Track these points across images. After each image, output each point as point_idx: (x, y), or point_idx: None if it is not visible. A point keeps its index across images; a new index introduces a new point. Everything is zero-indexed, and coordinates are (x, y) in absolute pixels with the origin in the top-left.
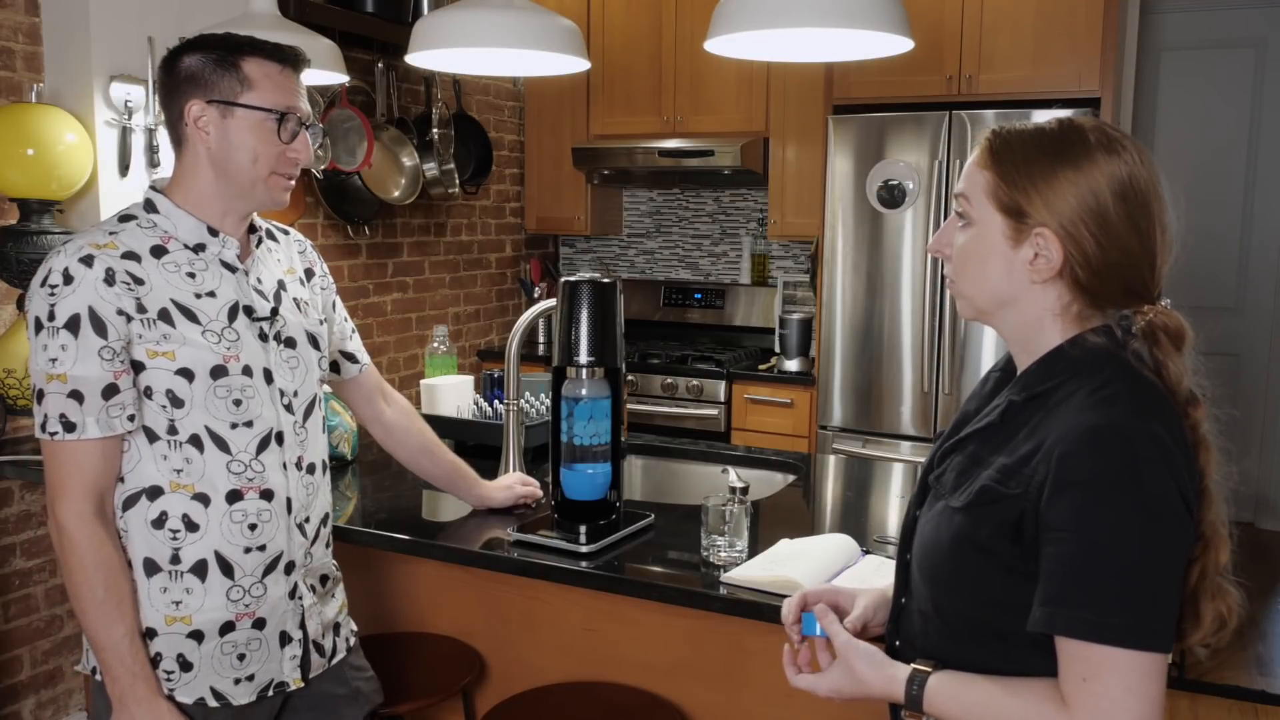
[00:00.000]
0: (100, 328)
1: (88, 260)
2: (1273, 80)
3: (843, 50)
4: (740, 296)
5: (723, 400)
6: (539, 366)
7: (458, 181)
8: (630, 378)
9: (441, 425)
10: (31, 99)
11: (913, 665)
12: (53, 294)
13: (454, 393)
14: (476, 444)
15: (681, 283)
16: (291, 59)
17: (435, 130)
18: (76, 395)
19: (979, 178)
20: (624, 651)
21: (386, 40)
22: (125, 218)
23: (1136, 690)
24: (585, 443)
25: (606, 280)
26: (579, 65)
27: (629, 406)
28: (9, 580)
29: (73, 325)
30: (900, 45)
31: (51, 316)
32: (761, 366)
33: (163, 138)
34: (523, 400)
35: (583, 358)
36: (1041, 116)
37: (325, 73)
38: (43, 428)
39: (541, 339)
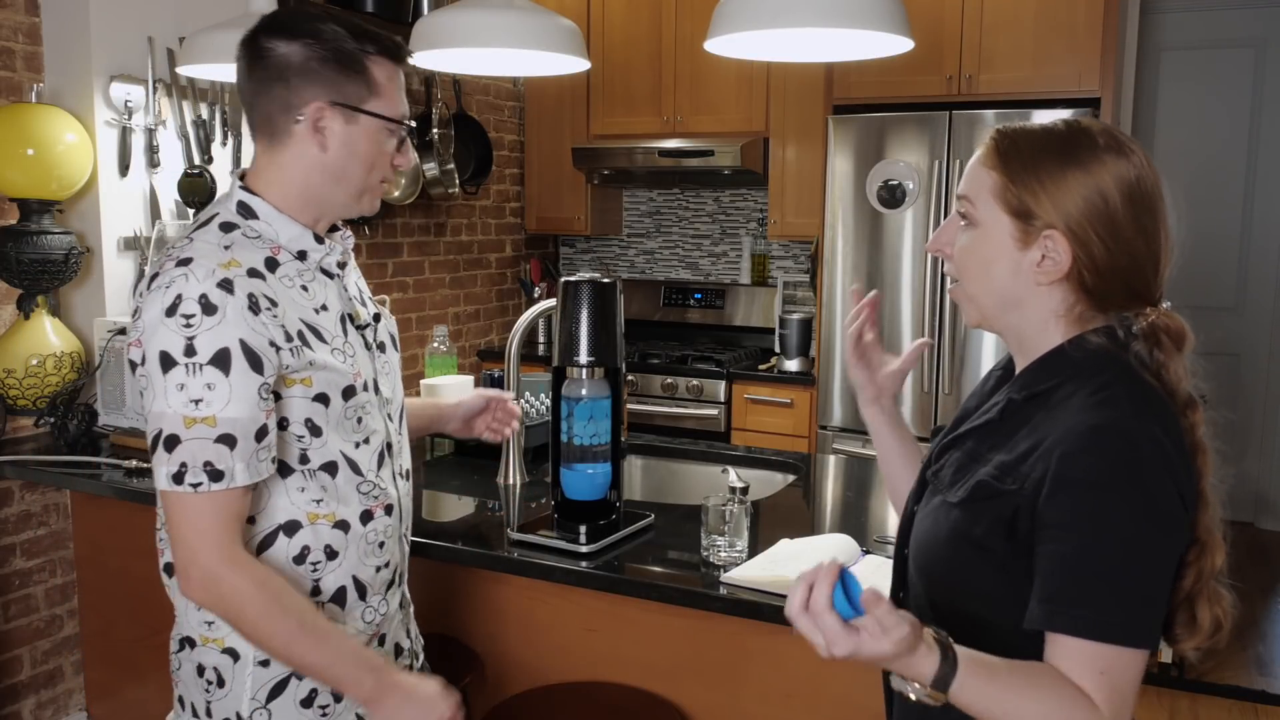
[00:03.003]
0: (256, 363)
1: (227, 286)
2: (1273, 80)
3: (843, 50)
4: (740, 296)
5: (723, 400)
6: (539, 366)
7: (458, 181)
8: (630, 378)
9: None
10: (31, 99)
11: (944, 642)
12: (189, 324)
13: (454, 393)
14: (476, 444)
15: (681, 283)
16: (406, 57)
17: (435, 130)
18: (227, 440)
19: (985, 178)
20: (624, 651)
21: None
22: (226, 225)
23: (1133, 685)
24: (585, 443)
25: (606, 280)
26: (579, 65)
27: (629, 406)
28: (9, 580)
29: (220, 361)
30: (900, 45)
31: (191, 351)
32: (761, 366)
33: (164, 138)
34: (523, 400)
35: (583, 358)
36: (1041, 116)
37: None
38: (176, 478)
39: (541, 339)
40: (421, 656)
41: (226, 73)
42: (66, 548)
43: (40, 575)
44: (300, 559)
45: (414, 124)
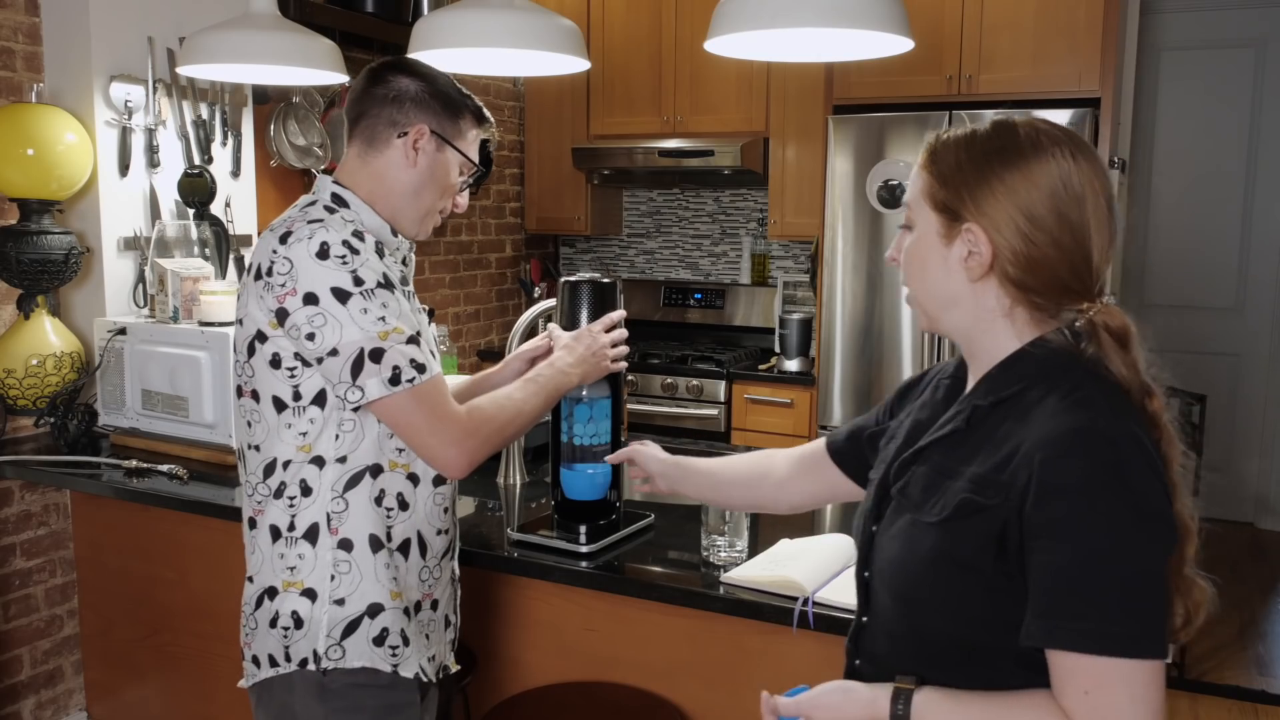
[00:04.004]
0: (394, 289)
1: (359, 235)
2: (1273, 80)
3: (843, 50)
4: (740, 296)
5: (723, 400)
6: None
7: None
8: (630, 378)
9: None
10: (31, 99)
11: (895, 684)
12: (345, 262)
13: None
14: None
15: (681, 283)
16: (490, 125)
17: None
18: (415, 341)
19: (919, 181)
20: (624, 651)
21: (387, 40)
22: (328, 208)
23: (1141, 699)
24: (585, 443)
25: (606, 280)
26: (579, 65)
27: (629, 406)
28: (9, 580)
29: (386, 284)
30: (900, 45)
31: (359, 281)
32: (761, 366)
33: (164, 138)
34: None
35: None
36: (1042, 116)
37: (325, 73)
38: (394, 381)
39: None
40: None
41: (226, 73)
42: (66, 548)
43: (40, 575)
44: (379, 501)
45: (485, 172)
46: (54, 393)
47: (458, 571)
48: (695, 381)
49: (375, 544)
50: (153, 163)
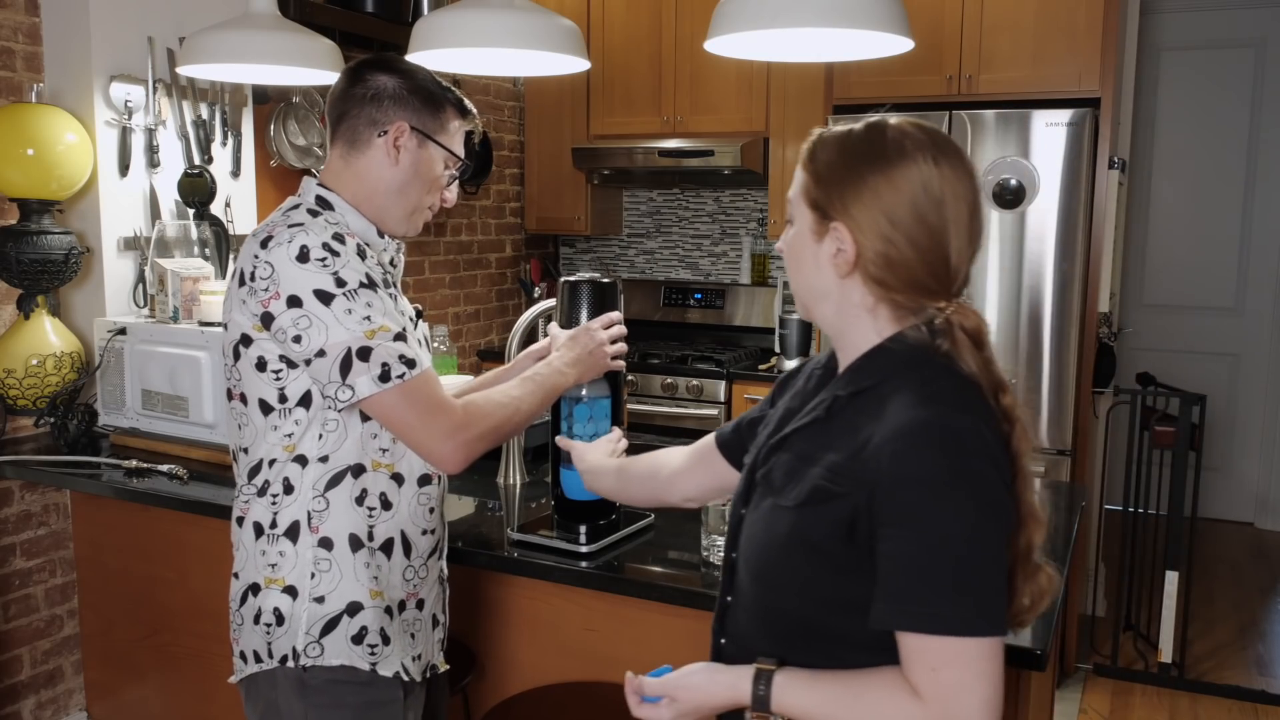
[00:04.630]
0: (376, 289)
1: (339, 238)
2: (1273, 80)
3: (843, 50)
4: (740, 296)
5: (723, 400)
6: None
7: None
8: (630, 378)
9: None
10: (31, 99)
11: (755, 665)
12: (325, 264)
13: (454, 393)
14: None
15: (681, 283)
16: (474, 116)
17: None
18: (402, 337)
19: (798, 178)
20: (624, 651)
21: (387, 40)
22: (312, 211)
23: (984, 674)
24: (585, 442)
25: (606, 280)
26: (579, 65)
27: (629, 406)
28: (9, 580)
29: (369, 284)
30: (900, 45)
31: (341, 283)
32: (761, 366)
33: (164, 138)
34: None
35: None
36: (1041, 116)
37: (325, 73)
38: (383, 378)
39: (542, 339)
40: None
41: (226, 73)
42: (66, 548)
43: (40, 575)
44: (360, 500)
45: (470, 165)
46: (54, 393)
47: (446, 571)
48: (695, 381)
49: (355, 543)
50: (153, 163)
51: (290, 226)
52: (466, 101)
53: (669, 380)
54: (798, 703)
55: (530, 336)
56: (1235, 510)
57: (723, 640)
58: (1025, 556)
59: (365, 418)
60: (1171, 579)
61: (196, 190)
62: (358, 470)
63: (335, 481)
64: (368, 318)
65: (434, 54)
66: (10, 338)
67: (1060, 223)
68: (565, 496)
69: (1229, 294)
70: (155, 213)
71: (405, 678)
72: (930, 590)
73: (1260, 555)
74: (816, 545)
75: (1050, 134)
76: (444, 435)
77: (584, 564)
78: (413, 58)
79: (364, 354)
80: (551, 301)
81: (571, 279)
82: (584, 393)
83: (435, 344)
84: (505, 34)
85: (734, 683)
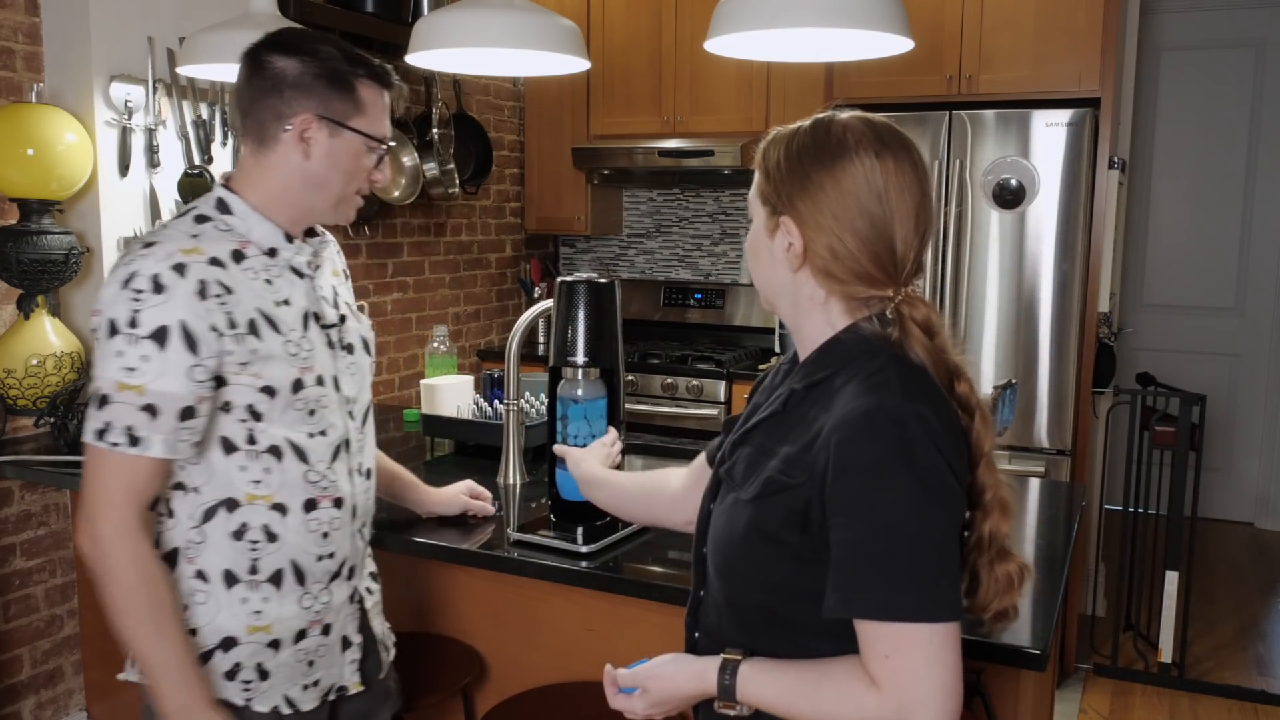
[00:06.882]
0: (193, 344)
1: (180, 269)
2: (1273, 80)
3: (843, 50)
4: (740, 296)
5: (722, 400)
6: (539, 366)
7: (458, 181)
8: (630, 378)
9: (441, 425)
10: (31, 99)
11: (722, 655)
12: (138, 299)
13: (454, 393)
14: (476, 444)
15: (681, 283)
16: (393, 84)
17: (435, 130)
18: (150, 410)
19: (755, 177)
20: (624, 651)
21: (386, 40)
22: (200, 218)
23: (936, 659)
24: (582, 443)
25: (603, 280)
26: (579, 65)
27: (628, 406)
28: (9, 580)
29: (159, 336)
30: (900, 45)
31: (134, 324)
32: (761, 366)
33: (164, 138)
34: (523, 400)
35: (578, 358)
36: (1041, 116)
37: None
38: (100, 434)
39: (541, 339)
40: (391, 652)
41: (226, 73)
42: (66, 548)
43: (40, 575)
44: (239, 535)
45: (394, 144)
46: (54, 393)
47: (361, 589)
48: (695, 381)
49: (230, 579)
50: (153, 163)
51: (145, 246)
52: (385, 69)
53: (669, 380)
54: (761, 692)
55: (530, 336)
56: (1235, 510)
57: (696, 634)
58: (989, 544)
59: (228, 450)
60: (1171, 579)
61: (196, 190)
62: (231, 505)
63: (210, 515)
64: (130, 369)
65: (434, 54)
66: (10, 338)
67: (1060, 223)
68: (561, 498)
69: (1229, 294)
70: (155, 213)
71: (287, 710)
72: (878, 576)
73: (1260, 555)
74: (774, 536)
75: (1050, 134)
76: (89, 520)
77: (584, 564)
78: (412, 58)
79: (103, 402)
80: (551, 301)
81: (568, 279)
82: (579, 393)
83: (435, 344)
84: (505, 34)
85: (701, 672)
